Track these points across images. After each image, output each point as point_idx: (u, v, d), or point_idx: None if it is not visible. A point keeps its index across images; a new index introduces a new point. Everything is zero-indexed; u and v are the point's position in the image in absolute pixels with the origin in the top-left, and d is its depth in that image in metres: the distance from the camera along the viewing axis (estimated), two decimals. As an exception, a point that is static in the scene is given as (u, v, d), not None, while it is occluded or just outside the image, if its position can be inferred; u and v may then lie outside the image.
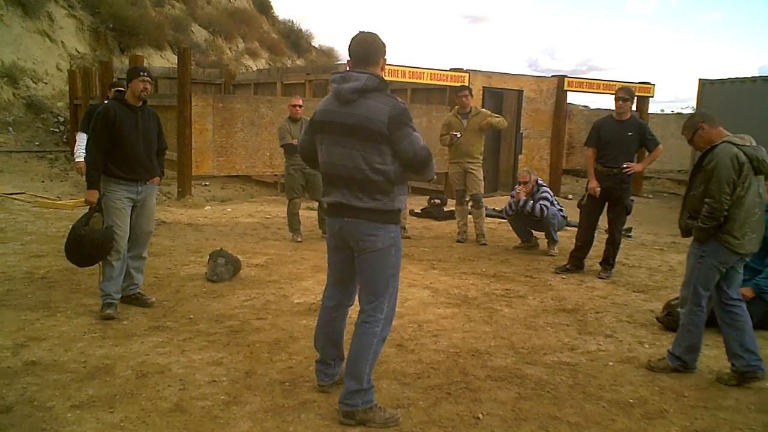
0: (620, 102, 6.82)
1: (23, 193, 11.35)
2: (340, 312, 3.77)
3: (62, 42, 19.00)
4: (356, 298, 3.73)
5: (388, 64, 3.70)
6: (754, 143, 4.18)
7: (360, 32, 3.46)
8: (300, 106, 8.24)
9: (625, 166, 6.73)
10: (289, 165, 8.26)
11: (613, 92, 7.01)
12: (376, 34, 3.46)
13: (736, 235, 4.12)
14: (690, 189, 4.37)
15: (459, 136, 8.40)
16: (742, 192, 4.09)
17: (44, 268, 6.38)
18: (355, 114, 3.34)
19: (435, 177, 3.80)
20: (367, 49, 3.42)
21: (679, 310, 4.55)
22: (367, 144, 3.32)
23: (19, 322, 4.82)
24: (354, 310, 3.72)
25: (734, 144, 4.12)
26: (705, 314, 4.33)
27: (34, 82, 17.68)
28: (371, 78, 3.34)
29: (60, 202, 10.68)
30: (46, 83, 18.02)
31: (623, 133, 6.78)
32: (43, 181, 13.36)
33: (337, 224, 3.49)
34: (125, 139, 5.02)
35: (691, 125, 4.39)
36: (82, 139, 7.46)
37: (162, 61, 21.12)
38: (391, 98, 3.38)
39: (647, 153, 7.11)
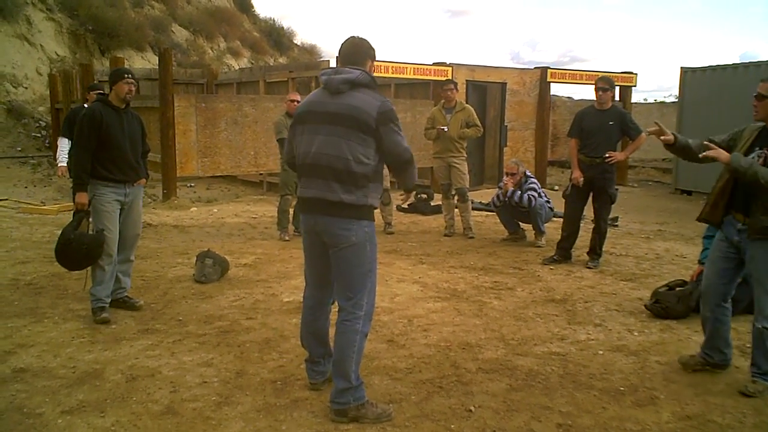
0: (600, 92, 6.86)
1: (6, 199, 11.24)
2: (322, 310, 3.75)
3: (41, 45, 18.81)
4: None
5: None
6: None
7: (350, 36, 3.55)
8: (298, 101, 8.20)
9: (607, 155, 6.75)
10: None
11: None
12: (365, 39, 3.56)
13: None
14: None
15: (446, 129, 8.41)
16: None
17: (30, 274, 6.33)
18: (342, 103, 3.35)
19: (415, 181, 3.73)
20: (355, 50, 3.51)
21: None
22: (352, 132, 3.31)
23: (6, 329, 4.77)
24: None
25: None
26: None
27: (14, 86, 17.50)
28: (363, 73, 3.40)
29: (44, 207, 10.60)
30: (26, 88, 17.83)
31: (604, 122, 6.81)
32: (26, 187, 13.25)
33: (312, 220, 3.48)
34: (112, 140, 4.98)
35: None
36: (64, 143, 7.40)
37: (143, 62, 20.97)
38: (381, 96, 3.41)
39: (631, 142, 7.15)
